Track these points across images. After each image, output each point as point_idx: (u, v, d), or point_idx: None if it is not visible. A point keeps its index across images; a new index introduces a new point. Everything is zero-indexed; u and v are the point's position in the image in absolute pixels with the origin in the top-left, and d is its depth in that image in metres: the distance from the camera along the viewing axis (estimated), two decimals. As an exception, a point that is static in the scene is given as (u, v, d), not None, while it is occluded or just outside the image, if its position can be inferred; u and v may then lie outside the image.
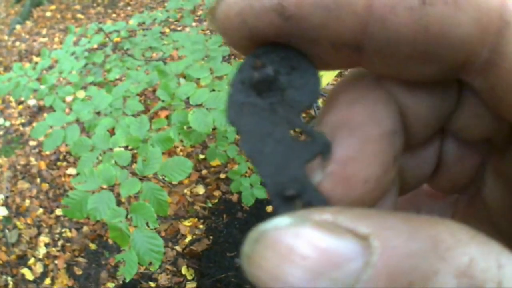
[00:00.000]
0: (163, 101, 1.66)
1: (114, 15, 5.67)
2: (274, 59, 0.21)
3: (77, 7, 6.21)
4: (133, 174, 1.34)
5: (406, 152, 0.23)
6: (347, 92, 0.21)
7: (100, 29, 2.55)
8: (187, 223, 2.90)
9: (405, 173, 0.24)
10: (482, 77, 0.20)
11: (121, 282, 2.63)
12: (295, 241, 0.16)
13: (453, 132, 0.24)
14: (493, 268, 0.15)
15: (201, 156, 3.24)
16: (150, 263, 1.14)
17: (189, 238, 2.83)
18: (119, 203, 1.32)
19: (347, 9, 0.18)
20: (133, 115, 1.66)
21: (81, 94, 2.11)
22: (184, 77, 1.91)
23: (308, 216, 0.17)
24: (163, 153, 1.37)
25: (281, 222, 0.17)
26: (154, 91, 3.66)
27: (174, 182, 3.08)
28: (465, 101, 0.22)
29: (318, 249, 0.16)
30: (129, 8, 5.83)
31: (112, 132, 1.59)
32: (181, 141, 1.49)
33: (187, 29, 4.06)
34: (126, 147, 1.84)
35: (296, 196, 0.19)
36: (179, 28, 4.49)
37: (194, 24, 4.25)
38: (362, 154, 0.20)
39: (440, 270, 0.15)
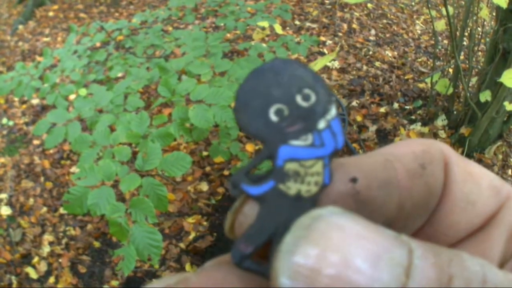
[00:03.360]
0: (163, 97, 1.66)
1: (116, 14, 5.68)
2: None
3: (80, 6, 6.21)
4: (136, 171, 1.34)
5: None
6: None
7: (102, 28, 2.55)
8: (190, 220, 2.90)
9: None
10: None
11: (125, 279, 2.63)
12: (355, 225, 0.18)
13: None
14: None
15: (205, 153, 3.24)
16: (149, 259, 1.14)
17: (193, 235, 2.83)
18: (123, 200, 1.32)
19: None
20: (134, 112, 1.66)
21: (83, 91, 2.11)
22: (186, 74, 1.91)
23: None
24: (166, 151, 1.37)
25: (333, 210, 0.19)
26: (156, 88, 3.66)
27: (177, 179, 3.08)
28: None
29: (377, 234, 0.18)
30: (131, 6, 5.84)
31: (113, 129, 1.59)
32: (182, 136, 1.49)
33: (190, 27, 4.06)
34: (130, 144, 1.84)
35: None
36: (181, 26, 4.49)
37: (196, 22, 4.25)
38: None
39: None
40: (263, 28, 2.18)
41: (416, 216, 0.24)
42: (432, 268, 0.17)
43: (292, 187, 0.21)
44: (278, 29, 2.12)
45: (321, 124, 0.21)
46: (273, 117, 0.21)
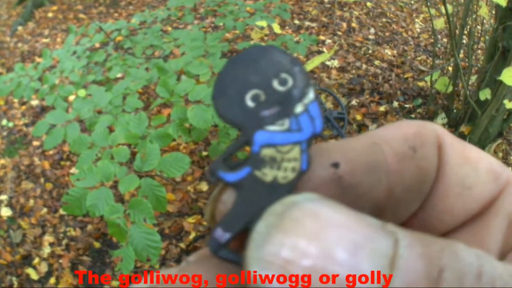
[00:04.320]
0: (162, 98, 1.66)
1: (116, 15, 5.68)
2: None
3: (79, 7, 6.21)
4: (134, 171, 1.34)
5: None
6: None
7: (101, 28, 2.55)
8: (191, 220, 2.90)
9: None
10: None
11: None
12: (333, 213, 0.17)
13: None
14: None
15: (204, 153, 3.24)
16: (149, 259, 1.14)
17: (193, 235, 2.83)
18: (122, 200, 1.32)
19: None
20: (133, 112, 1.66)
21: (82, 92, 2.11)
22: (184, 74, 1.91)
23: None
24: (166, 151, 1.38)
25: (308, 197, 0.18)
26: (155, 89, 3.66)
27: (177, 179, 3.08)
28: None
29: (358, 221, 0.17)
30: (131, 7, 5.83)
31: (112, 129, 1.59)
32: (180, 136, 1.49)
33: (189, 27, 4.06)
34: (128, 145, 1.84)
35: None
36: (181, 26, 4.49)
37: (195, 21, 4.25)
38: None
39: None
40: (262, 28, 2.18)
41: (408, 201, 0.23)
42: (420, 259, 0.16)
43: (268, 174, 0.21)
44: (276, 28, 2.12)
45: (298, 108, 0.21)
46: (250, 103, 0.21)
